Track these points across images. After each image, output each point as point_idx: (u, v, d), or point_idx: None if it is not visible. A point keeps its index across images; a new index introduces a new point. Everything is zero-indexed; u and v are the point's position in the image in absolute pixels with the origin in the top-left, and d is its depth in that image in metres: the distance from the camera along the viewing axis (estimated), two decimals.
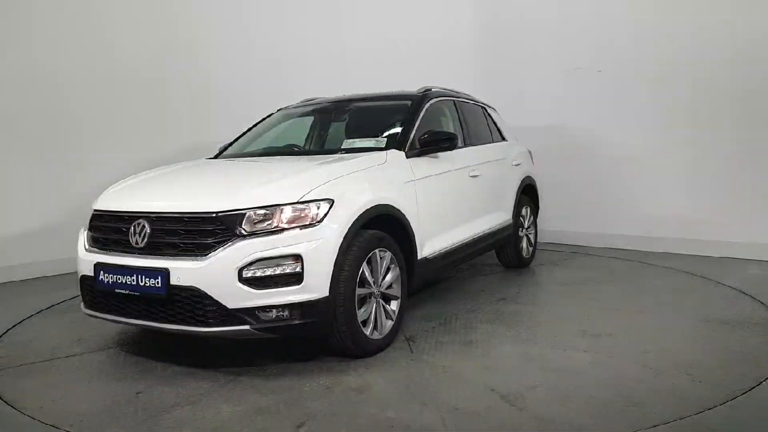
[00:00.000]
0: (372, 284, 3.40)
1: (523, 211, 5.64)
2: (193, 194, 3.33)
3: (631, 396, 2.79)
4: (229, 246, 2.98)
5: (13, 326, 4.23)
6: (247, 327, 2.99)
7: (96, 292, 3.32)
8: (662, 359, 3.24)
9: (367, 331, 3.36)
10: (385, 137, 4.09)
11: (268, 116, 4.99)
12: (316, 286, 3.04)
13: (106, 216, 3.41)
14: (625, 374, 3.05)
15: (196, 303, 2.99)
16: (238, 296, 2.95)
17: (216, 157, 4.57)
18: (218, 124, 6.44)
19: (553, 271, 5.58)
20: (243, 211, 3.03)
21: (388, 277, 3.55)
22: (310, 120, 4.85)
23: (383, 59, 7.26)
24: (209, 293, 2.95)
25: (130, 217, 3.27)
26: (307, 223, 3.08)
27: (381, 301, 3.49)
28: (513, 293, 4.73)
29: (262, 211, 3.04)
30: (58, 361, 3.52)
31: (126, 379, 3.20)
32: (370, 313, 3.40)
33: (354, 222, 3.24)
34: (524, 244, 5.68)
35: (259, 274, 2.96)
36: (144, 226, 3.19)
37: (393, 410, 2.73)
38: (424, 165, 4.03)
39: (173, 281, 3.00)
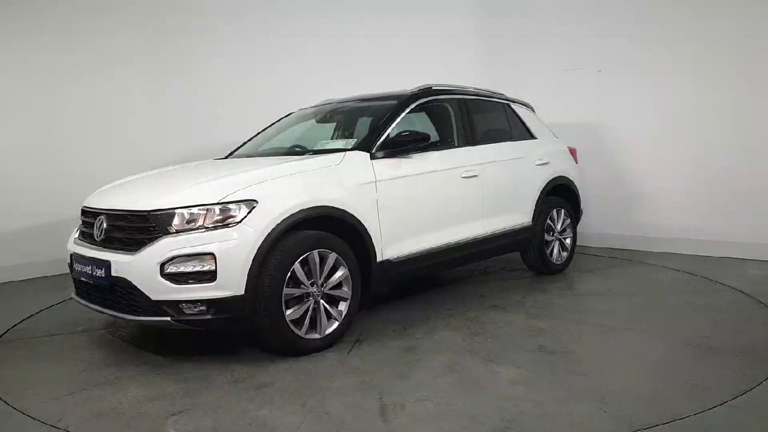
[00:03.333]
0: (309, 285, 3.46)
1: (554, 214, 5.29)
2: (143, 194, 3.61)
3: (517, 420, 2.59)
4: (155, 242, 3.22)
5: (13, 326, 4.29)
6: (168, 319, 3.22)
7: (73, 279, 3.76)
8: (596, 385, 2.94)
9: (301, 330, 3.42)
10: (354, 138, 4.10)
11: (285, 116, 5.20)
12: (230, 284, 3.18)
13: (86, 211, 3.84)
14: (542, 397, 2.82)
15: (128, 293, 3.28)
16: (160, 289, 3.18)
17: (226, 157, 4.87)
18: (218, 124, 6.60)
19: (582, 280, 5.18)
20: (169, 211, 3.26)
21: (334, 278, 3.59)
22: (312, 121, 4.97)
23: (383, 60, 7.18)
24: (137, 285, 3.22)
25: (95, 213, 3.66)
26: (225, 223, 3.23)
27: (322, 302, 3.53)
28: (512, 301, 4.49)
29: (185, 211, 3.25)
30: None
31: (90, 365, 3.55)
32: (305, 313, 3.45)
33: (280, 223, 3.32)
34: (555, 249, 5.32)
35: (178, 270, 3.17)
36: (102, 222, 3.55)
37: (270, 407, 2.80)
38: (393, 166, 3.98)
39: (113, 272, 3.32)
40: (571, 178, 5.51)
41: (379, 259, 3.86)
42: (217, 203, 3.26)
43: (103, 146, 6.23)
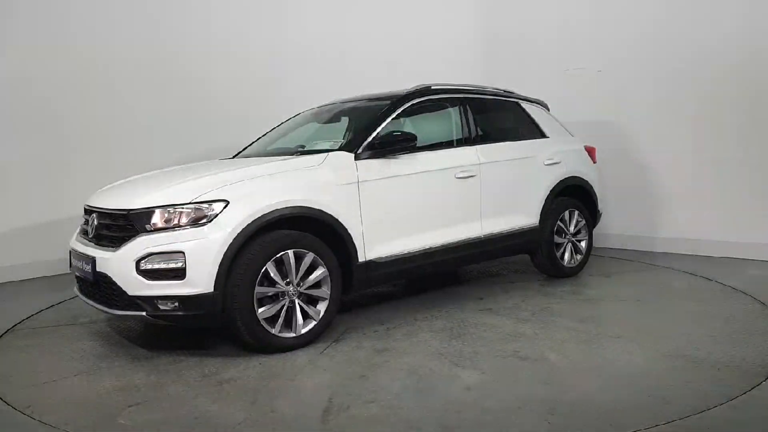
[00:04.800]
0: (283, 284, 3.52)
1: (566, 215, 5.12)
2: (128, 194, 3.76)
3: (454, 428, 2.55)
4: (133, 240, 3.37)
5: (13, 326, 4.31)
6: (143, 313, 3.36)
7: (73, 274, 3.98)
8: (553, 395, 2.85)
9: (274, 329, 3.49)
10: (341, 139, 4.12)
11: (294, 116, 5.28)
12: (199, 281, 3.28)
13: (85, 209, 4.05)
14: (491, 405, 2.76)
15: (110, 288, 3.44)
16: (135, 285, 3.32)
17: (233, 157, 5.00)
18: (219, 125, 6.59)
19: (592, 284, 4.98)
20: (146, 210, 3.40)
21: (311, 278, 3.63)
22: (315, 121, 5.01)
23: (383, 60, 7.12)
24: (115, 280, 3.37)
25: (89, 211, 3.86)
26: (197, 223, 3.33)
27: (298, 301, 3.58)
28: (508, 305, 4.38)
29: (160, 211, 3.37)
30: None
31: (81, 357, 3.71)
32: (279, 311, 3.51)
33: (250, 223, 3.39)
34: (567, 251, 5.15)
35: (152, 267, 3.30)
36: (94, 220, 3.74)
37: (222, 403, 2.88)
38: (378, 167, 3.98)
39: (97, 268, 3.49)
40: (585, 178, 5.31)
41: (361, 259, 3.86)
42: (190, 203, 3.37)
43: (104, 146, 6.21)
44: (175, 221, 3.36)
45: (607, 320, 3.97)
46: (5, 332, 4.14)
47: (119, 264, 3.36)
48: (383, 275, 4.02)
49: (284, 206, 3.52)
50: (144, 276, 3.30)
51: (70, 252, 3.95)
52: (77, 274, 3.80)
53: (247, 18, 6.88)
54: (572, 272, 5.20)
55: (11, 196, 5.85)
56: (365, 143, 4.01)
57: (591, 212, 5.40)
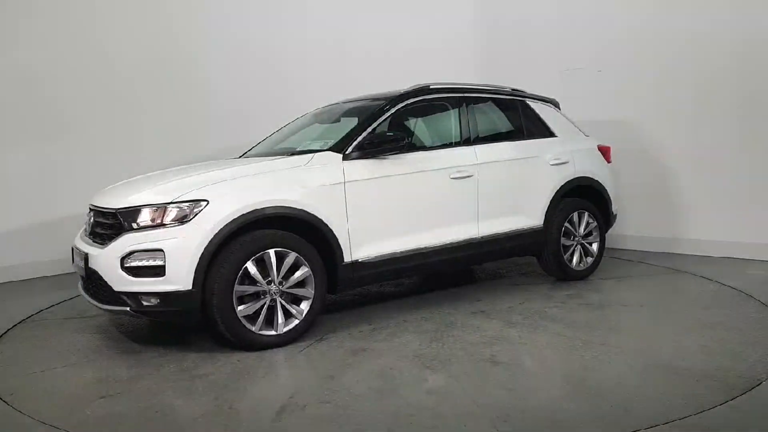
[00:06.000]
0: (264, 282, 3.57)
1: (574, 217, 4.98)
2: (120, 193, 3.89)
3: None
4: (119, 238, 3.49)
5: (13, 326, 4.33)
6: (127, 308, 3.48)
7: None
8: (513, 402, 2.79)
9: (255, 326, 3.54)
10: (332, 140, 4.14)
11: (303, 116, 5.33)
12: (178, 279, 3.37)
13: (89, 208, 4.22)
14: (446, 410, 2.73)
15: (98, 283, 3.58)
16: (120, 281, 3.44)
17: (239, 157, 5.10)
18: (217, 127, 6.63)
19: (599, 288, 4.82)
20: (132, 209, 3.52)
21: (294, 277, 3.67)
22: (317, 121, 5.04)
23: (383, 60, 7.05)
24: (102, 276, 3.51)
25: (90, 210, 4.02)
26: (177, 221, 3.42)
27: (279, 300, 3.63)
28: (503, 308, 4.29)
29: (144, 209, 3.48)
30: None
31: (81, 350, 3.91)
32: (260, 310, 3.56)
33: (229, 222, 3.46)
34: (575, 254, 5.01)
35: (135, 264, 3.41)
36: (91, 218, 3.90)
37: (186, 398, 2.96)
38: (366, 167, 3.98)
39: (89, 264, 3.64)
40: (596, 179, 5.14)
41: (347, 259, 3.88)
42: (171, 202, 3.46)
43: (106, 146, 6.20)
44: (159, 220, 3.46)
45: (601, 327, 3.84)
46: (16, 324, 4.36)
47: (106, 260, 3.49)
48: (371, 275, 4.02)
49: (264, 206, 3.57)
50: (128, 272, 3.42)
51: (72, 249, 4.13)
52: (76, 270, 3.96)
53: (248, 19, 6.84)
54: (581, 275, 5.05)
55: (13, 196, 5.87)
56: (354, 144, 4.02)
57: (603, 214, 5.23)
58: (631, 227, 6.24)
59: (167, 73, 6.50)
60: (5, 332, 4.16)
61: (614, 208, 5.35)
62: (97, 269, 3.55)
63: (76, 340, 3.97)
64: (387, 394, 2.92)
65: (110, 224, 3.65)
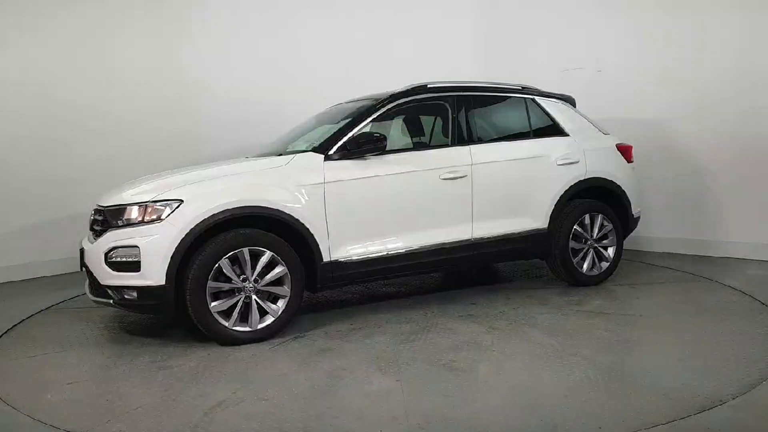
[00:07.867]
0: (239, 280, 3.67)
1: (585, 219, 4.74)
2: (113, 192, 4.10)
3: None
4: (105, 234, 3.71)
5: (14, 326, 4.37)
6: (111, 300, 3.69)
7: None
8: (444, 410, 2.71)
9: (228, 322, 3.65)
10: (316, 141, 4.17)
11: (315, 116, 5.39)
12: (152, 274, 3.53)
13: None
14: (374, 410, 2.71)
15: (90, 276, 3.82)
16: (104, 275, 3.66)
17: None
18: (217, 127, 6.62)
19: (605, 295, 4.55)
20: (116, 207, 3.72)
21: (270, 276, 3.74)
22: (318, 122, 5.07)
23: (383, 60, 6.95)
24: (91, 270, 3.75)
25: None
26: (154, 220, 3.58)
27: (254, 298, 3.72)
28: (493, 312, 4.16)
29: (127, 208, 3.67)
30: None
31: (80, 343, 4.18)
32: (234, 306, 3.66)
33: (203, 221, 3.58)
34: (587, 258, 4.77)
35: (116, 259, 3.62)
36: (93, 216, 4.16)
37: (141, 387, 3.11)
38: (349, 168, 3.99)
39: (84, 258, 3.89)
40: (612, 179, 4.86)
41: (326, 259, 3.91)
42: (149, 201, 3.63)
43: (106, 147, 6.23)
44: (138, 218, 3.64)
45: (582, 336, 3.63)
46: (15, 325, 4.43)
47: (94, 255, 3.72)
48: (351, 275, 4.03)
49: (236, 206, 3.67)
50: (110, 267, 3.62)
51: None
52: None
53: (248, 20, 6.80)
54: (594, 281, 4.80)
55: (13, 196, 5.88)
56: (338, 145, 4.03)
57: (621, 216, 4.94)
58: (659, 228, 5.91)
59: (173, 79, 6.55)
60: (5, 332, 4.30)
61: (635, 210, 5.05)
62: (87, 263, 3.79)
63: (76, 329, 4.22)
64: (326, 394, 2.93)
65: (101, 221, 3.88)
